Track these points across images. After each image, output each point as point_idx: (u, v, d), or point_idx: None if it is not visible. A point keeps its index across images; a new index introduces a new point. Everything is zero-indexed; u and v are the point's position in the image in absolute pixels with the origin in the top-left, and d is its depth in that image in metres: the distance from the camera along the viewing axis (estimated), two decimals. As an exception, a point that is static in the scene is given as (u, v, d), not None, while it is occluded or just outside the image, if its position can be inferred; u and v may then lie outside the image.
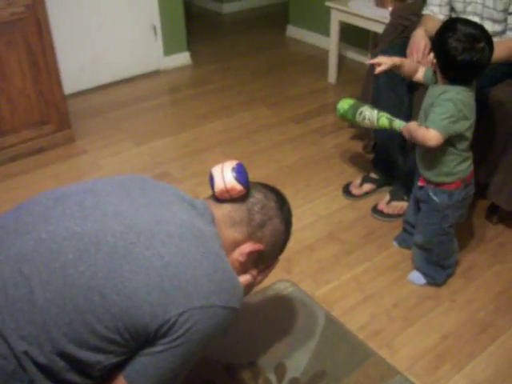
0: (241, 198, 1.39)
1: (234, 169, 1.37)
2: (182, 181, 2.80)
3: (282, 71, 4.18)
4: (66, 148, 3.11)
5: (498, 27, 2.30)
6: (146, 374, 1.18)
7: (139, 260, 1.16)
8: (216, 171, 1.39)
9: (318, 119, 3.43)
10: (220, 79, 4.03)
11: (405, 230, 2.33)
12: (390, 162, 2.61)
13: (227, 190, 1.36)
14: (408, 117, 2.32)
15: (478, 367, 1.84)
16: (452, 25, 1.80)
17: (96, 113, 3.52)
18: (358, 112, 2.14)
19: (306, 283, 2.18)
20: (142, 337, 1.15)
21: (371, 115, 2.11)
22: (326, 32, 4.15)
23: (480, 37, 1.76)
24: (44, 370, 1.13)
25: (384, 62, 2.08)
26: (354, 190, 2.70)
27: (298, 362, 1.84)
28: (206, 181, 1.44)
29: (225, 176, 1.36)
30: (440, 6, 2.44)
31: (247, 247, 1.38)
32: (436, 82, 1.92)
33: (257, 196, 1.41)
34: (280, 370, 1.81)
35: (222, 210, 1.38)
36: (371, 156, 2.83)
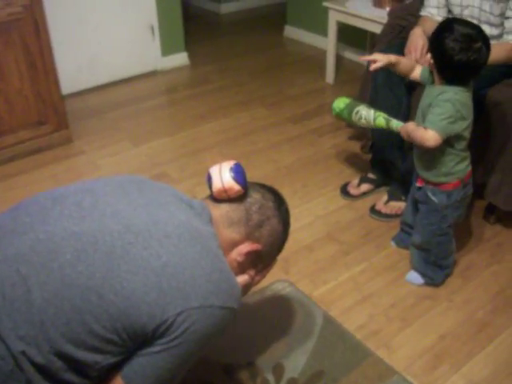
0: (239, 198, 1.39)
1: (231, 169, 1.37)
2: (180, 181, 2.80)
3: (280, 71, 4.18)
4: (64, 148, 3.11)
5: (495, 31, 2.30)
6: (144, 375, 1.18)
7: (137, 260, 1.16)
8: (214, 171, 1.39)
9: (316, 119, 3.43)
10: (218, 79, 4.03)
11: (403, 230, 2.33)
12: (387, 162, 2.61)
13: (225, 190, 1.36)
14: (406, 117, 2.32)
15: (476, 367, 1.84)
16: (449, 25, 1.80)
17: (94, 113, 3.51)
18: (355, 111, 2.14)
19: (304, 283, 2.18)
20: (140, 337, 1.15)
21: (368, 115, 2.10)
22: (323, 32, 4.15)
23: (477, 37, 1.76)
24: (41, 370, 1.13)
25: (379, 59, 2.07)
26: (352, 191, 2.70)
27: (296, 362, 1.84)
28: (204, 181, 1.44)
29: (223, 176, 1.36)
30: (438, 8, 2.45)
31: (245, 247, 1.38)
32: (433, 82, 1.91)
33: (255, 196, 1.41)
34: (278, 370, 1.81)
35: (220, 210, 1.38)
36: (369, 156, 2.83)
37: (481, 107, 2.19)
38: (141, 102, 3.68)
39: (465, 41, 1.75)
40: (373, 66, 2.08)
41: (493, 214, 2.49)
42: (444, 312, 2.06)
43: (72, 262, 1.15)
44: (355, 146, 3.11)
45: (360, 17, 3.50)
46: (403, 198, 2.51)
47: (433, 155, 1.91)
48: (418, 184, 2.05)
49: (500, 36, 2.30)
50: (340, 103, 2.22)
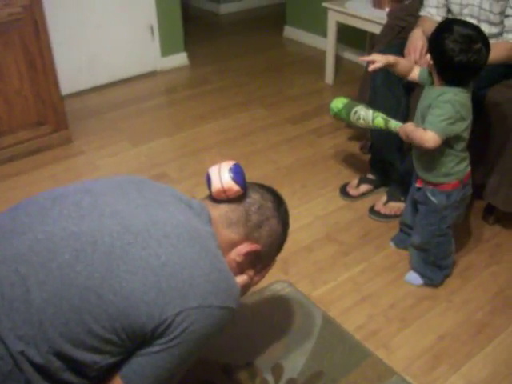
0: (238, 199, 1.39)
1: (231, 169, 1.37)
2: (179, 181, 2.80)
3: (279, 72, 4.19)
4: (63, 149, 3.11)
5: (494, 29, 2.30)
6: (143, 374, 1.18)
7: (136, 260, 1.16)
8: (213, 171, 1.39)
9: (315, 120, 3.43)
10: (217, 80, 4.03)
11: (402, 230, 2.33)
12: (387, 162, 2.61)
13: (224, 191, 1.36)
14: (405, 117, 2.32)
15: (475, 368, 1.84)
16: (448, 26, 1.80)
17: (93, 113, 3.51)
18: (353, 111, 2.13)
19: (303, 284, 2.18)
20: (139, 337, 1.15)
21: (366, 115, 2.10)
22: (323, 33, 4.16)
23: (477, 38, 1.76)
24: (40, 370, 1.13)
25: (378, 60, 2.06)
26: (351, 191, 2.70)
27: (295, 362, 1.84)
28: (203, 181, 1.44)
29: (222, 176, 1.36)
30: (437, 7, 2.45)
31: (244, 247, 1.38)
32: (432, 83, 1.91)
33: (254, 196, 1.41)
34: (277, 370, 1.81)
35: (219, 211, 1.38)
36: (368, 157, 2.83)
37: (480, 108, 2.19)
38: (140, 102, 3.68)
39: (464, 42, 1.74)
40: (371, 67, 2.08)
41: (492, 214, 2.50)
42: (443, 312, 2.06)
43: (71, 262, 1.15)
44: (354, 147, 3.11)
45: (359, 17, 3.50)
46: (402, 198, 2.51)
47: (432, 156, 1.92)
48: (417, 185, 2.05)
49: (500, 34, 2.30)
50: (338, 103, 2.22)
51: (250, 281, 1.46)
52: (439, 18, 2.42)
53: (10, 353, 1.10)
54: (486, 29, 2.24)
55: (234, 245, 1.38)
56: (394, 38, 2.76)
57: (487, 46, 1.78)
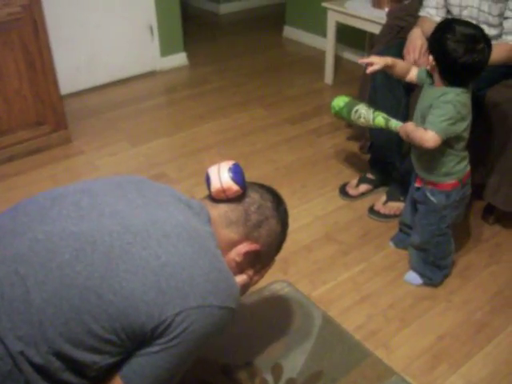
0: (237, 198, 1.39)
1: (230, 169, 1.37)
2: (179, 181, 2.80)
3: (279, 72, 4.19)
4: (63, 148, 3.11)
5: (493, 31, 2.30)
6: (143, 374, 1.18)
7: (136, 260, 1.16)
8: (212, 171, 1.39)
9: (315, 120, 3.44)
10: (216, 80, 4.03)
11: (401, 230, 2.33)
12: (386, 162, 2.61)
13: (223, 190, 1.36)
14: (405, 117, 2.32)
15: (475, 367, 1.85)
16: (450, 26, 1.79)
17: (92, 113, 3.51)
18: (354, 110, 2.13)
19: (303, 284, 2.18)
20: (139, 337, 1.15)
21: (367, 114, 2.10)
22: (322, 33, 4.16)
23: (479, 37, 1.76)
24: (40, 370, 1.13)
25: (376, 62, 2.06)
26: (351, 191, 2.70)
27: (295, 362, 1.84)
28: (203, 181, 1.44)
29: (221, 176, 1.36)
30: (436, 8, 2.45)
31: (243, 247, 1.38)
32: (431, 83, 1.91)
33: (253, 196, 1.41)
34: (277, 370, 1.81)
35: (219, 210, 1.38)
36: (368, 156, 2.83)
37: (480, 108, 2.19)
38: (139, 102, 3.68)
39: (468, 42, 1.73)
40: (369, 69, 2.08)
41: (492, 214, 2.50)
42: (443, 312, 2.06)
43: (70, 262, 1.14)
44: (354, 147, 3.11)
45: (359, 17, 3.50)
46: (402, 198, 2.51)
47: (432, 156, 1.91)
48: (416, 184, 2.05)
49: (499, 36, 2.30)
50: (339, 101, 2.22)
51: (250, 280, 1.46)
52: (438, 19, 2.41)
53: (10, 353, 1.10)
54: (486, 30, 2.22)
55: (233, 244, 1.38)
56: (394, 38, 2.76)
57: (489, 45, 1.77)
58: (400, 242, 2.34)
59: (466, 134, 1.89)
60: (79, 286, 1.13)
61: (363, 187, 2.70)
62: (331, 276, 2.22)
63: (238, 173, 1.38)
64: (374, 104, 2.26)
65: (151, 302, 1.13)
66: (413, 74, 2.05)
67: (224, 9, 5.54)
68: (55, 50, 3.14)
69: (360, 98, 2.77)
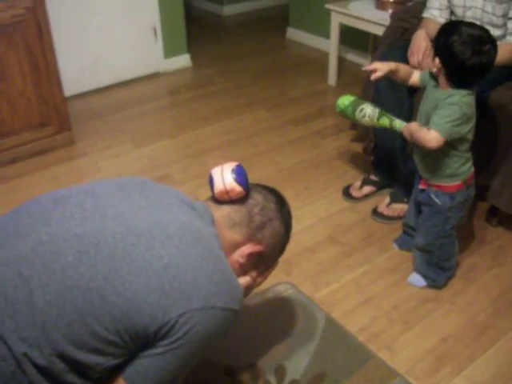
0: (240, 200, 1.39)
1: (233, 170, 1.38)
2: (182, 183, 2.81)
3: (282, 73, 4.19)
4: (66, 150, 3.11)
5: (497, 32, 2.30)
6: (146, 376, 1.18)
7: (139, 261, 1.16)
8: (216, 173, 1.39)
9: (318, 121, 3.44)
10: (220, 81, 4.03)
11: (405, 232, 2.33)
12: (390, 164, 2.61)
13: (227, 192, 1.36)
14: (408, 119, 2.30)
15: (478, 369, 1.84)
16: (455, 27, 1.78)
17: (96, 115, 3.52)
18: (359, 109, 2.13)
19: (306, 285, 2.18)
20: (142, 338, 1.15)
21: (372, 113, 2.09)
22: (326, 34, 4.15)
23: (486, 39, 1.75)
24: (43, 371, 1.13)
25: (380, 69, 2.05)
26: (354, 193, 2.69)
27: (298, 364, 1.84)
28: (206, 183, 1.44)
29: (224, 177, 1.36)
30: (440, 9, 2.44)
31: (247, 249, 1.38)
32: (436, 85, 1.90)
33: (256, 197, 1.41)
34: (280, 372, 1.81)
35: (222, 212, 1.38)
36: (371, 158, 2.83)
37: (484, 109, 2.19)
38: (143, 103, 3.68)
39: (475, 43, 1.72)
40: (373, 76, 2.07)
41: (495, 216, 2.49)
42: (446, 314, 2.06)
43: (74, 264, 1.15)
44: (357, 148, 3.11)
45: (362, 19, 3.50)
46: (405, 200, 2.51)
47: (436, 157, 1.91)
48: (420, 186, 2.05)
49: (502, 37, 2.30)
50: (345, 100, 2.21)
51: (253, 282, 1.46)
52: (442, 20, 2.41)
53: (13, 354, 1.11)
54: (490, 31, 2.23)
55: (236, 246, 1.38)
56: (397, 40, 2.75)
57: (495, 46, 1.77)
58: (404, 243, 2.34)
59: (470, 136, 1.89)
60: (82, 288, 1.13)
61: (367, 189, 2.70)
62: (334, 278, 2.22)
63: (241, 174, 1.38)
64: (378, 106, 2.26)
65: (154, 304, 1.13)
66: (415, 78, 2.04)
67: (228, 10, 5.55)
68: (59, 51, 3.15)
69: (363, 99, 2.77)
